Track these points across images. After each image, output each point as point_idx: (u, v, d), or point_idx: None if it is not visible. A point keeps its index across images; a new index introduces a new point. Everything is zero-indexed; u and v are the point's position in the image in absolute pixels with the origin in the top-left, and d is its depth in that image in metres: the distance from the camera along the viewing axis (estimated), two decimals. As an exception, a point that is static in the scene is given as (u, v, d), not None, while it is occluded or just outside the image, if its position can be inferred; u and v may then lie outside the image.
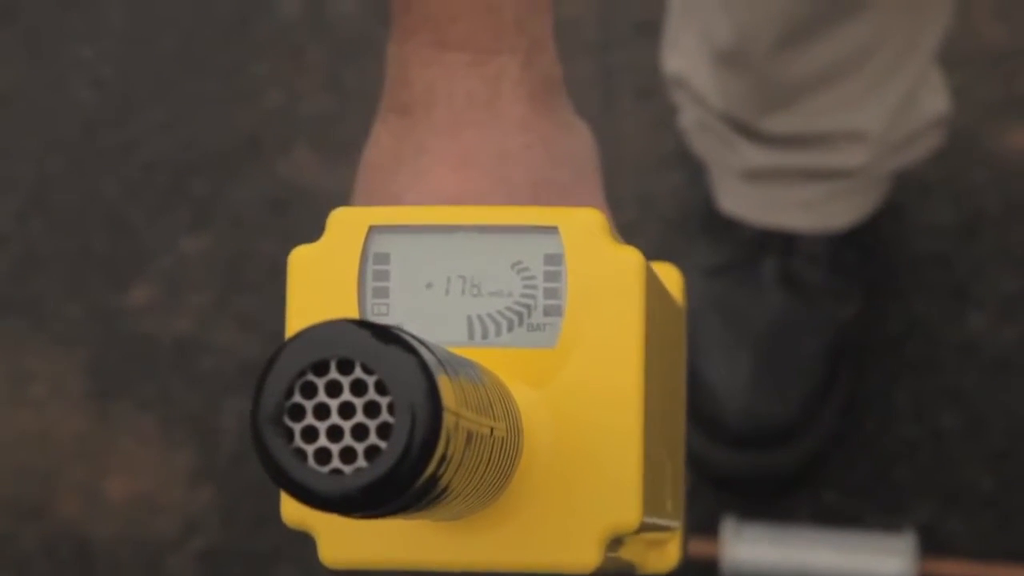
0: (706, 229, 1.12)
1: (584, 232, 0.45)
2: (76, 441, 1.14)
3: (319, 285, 0.46)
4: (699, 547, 1.03)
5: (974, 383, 1.12)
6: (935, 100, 1.07)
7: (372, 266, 0.46)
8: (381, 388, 0.36)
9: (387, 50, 0.52)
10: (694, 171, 1.16)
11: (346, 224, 0.46)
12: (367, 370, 0.36)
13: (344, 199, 1.32)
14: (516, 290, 0.46)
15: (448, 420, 0.36)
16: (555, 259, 0.45)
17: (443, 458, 0.37)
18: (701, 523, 1.06)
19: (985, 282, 1.15)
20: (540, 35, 0.51)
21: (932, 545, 1.06)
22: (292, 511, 0.46)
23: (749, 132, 1.04)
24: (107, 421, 1.15)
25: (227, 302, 1.18)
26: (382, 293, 0.46)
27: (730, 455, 1.05)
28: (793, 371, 1.07)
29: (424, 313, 0.46)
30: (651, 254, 1.30)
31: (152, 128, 1.25)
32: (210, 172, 1.23)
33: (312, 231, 1.35)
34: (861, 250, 1.11)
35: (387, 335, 0.36)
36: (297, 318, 0.46)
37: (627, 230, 1.29)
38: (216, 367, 1.16)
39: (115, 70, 1.28)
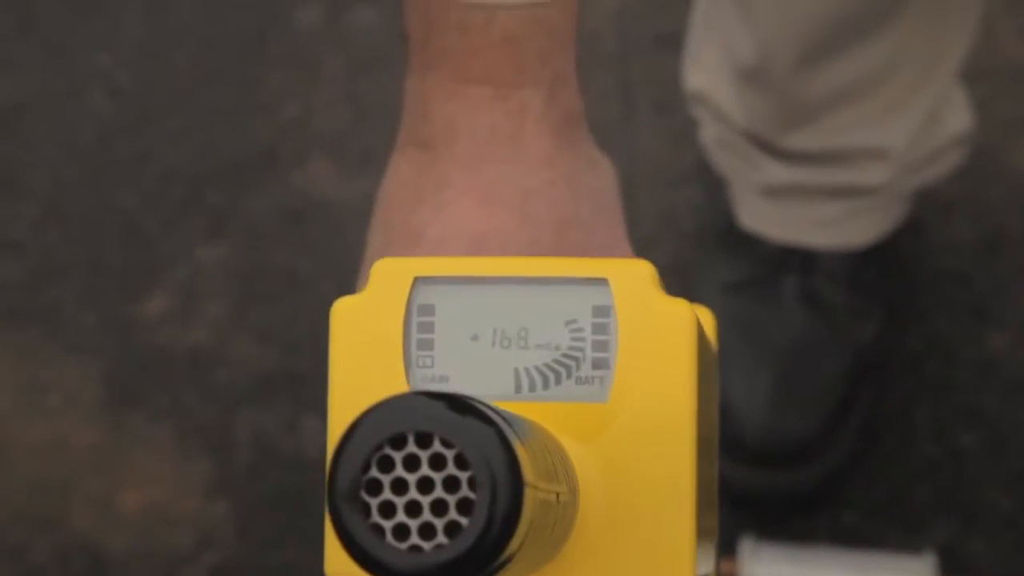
0: (725, 245, 1.12)
1: (634, 284, 0.45)
2: (90, 452, 1.14)
3: (363, 337, 0.45)
4: (717, 566, 1.02)
5: (994, 403, 1.11)
6: (958, 118, 1.07)
7: (417, 318, 0.45)
8: (461, 462, 0.36)
9: (405, 84, 0.51)
10: (713, 185, 1.15)
11: (390, 275, 0.45)
12: (446, 443, 0.36)
13: (360, 211, 1.30)
14: (564, 343, 0.45)
15: (528, 494, 0.36)
16: (604, 311, 0.45)
17: (525, 533, 0.36)
18: (719, 542, 1.05)
19: (1006, 301, 1.14)
20: (563, 69, 0.50)
21: (951, 566, 1.05)
22: (336, 569, 0.44)
23: (770, 149, 1.04)
24: (122, 432, 1.14)
25: (243, 313, 1.18)
26: (427, 345, 0.45)
27: (748, 473, 1.05)
28: (812, 390, 1.06)
29: (470, 365, 0.45)
30: (669, 269, 1.29)
31: (168, 138, 1.25)
32: (226, 183, 1.23)
33: (327, 243, 1.34)
34: (881, 268, 1.10)
35: (463, 406, 0.36)
36: (340, 370, 0.45)
37: (645, 244, 1.28)
38: (232, 379, 1.15)
39: (132, 79, 1.28)
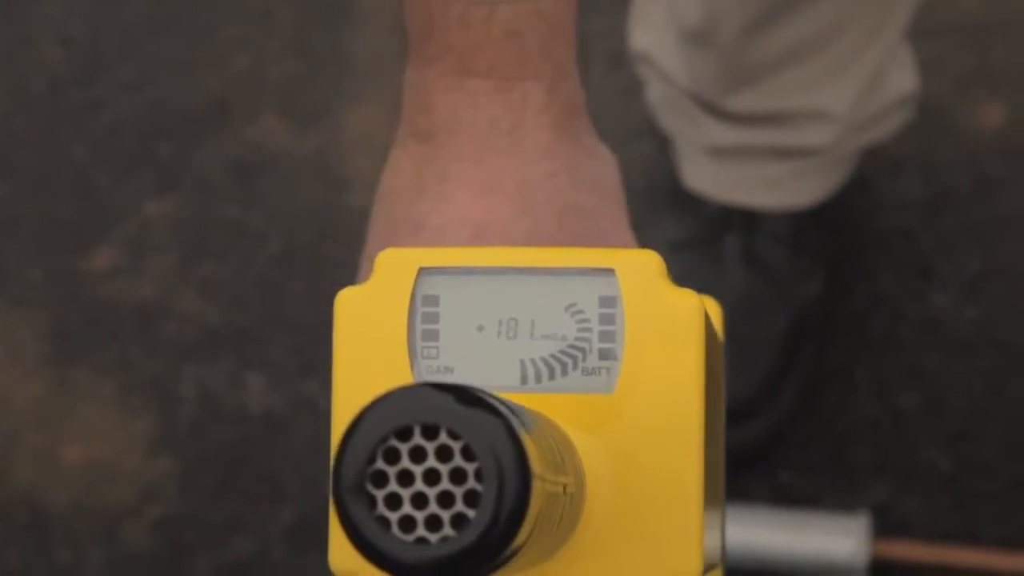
0: (670, 204, 1.12)
1: (640, 274, 0.44)
2: (33, 406, 1.14)
3: (367, 328, 0.45)
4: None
5: (935, 362, 1.11)
6: (903, 78, 1.06)
7: (421, 308, 0.45)
8: (467, 454, 0.35)
9: (405, 76, 0.51)
10: (662, 143, 1.15)
11: (395, 265, 0.45)
12: (453, 435, 0.36)
13: (311, 165, 1.30)
14: (570, 333, 0.45)
15: (536, 486, 0.36)
16: (610, 301, 0.44)
17: (532, 525, 0.36)
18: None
19: (951, 260, 1.14)
20: (564, 61, 0.51)
21: (888, 525, 1.06)
22: (340, 559, 0.44)
23: (713, 110, 1.04)
24: (65, 386, 1.15)
25: (190, 268, 1.18)
26: (432, 336, 0.45)
27: (688, 431, 1.05)
28: (754, 349, 1.06)
29: (475, 357, 0.45)
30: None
31: (120, 88, 1.25)
32: (177, 135, 1.22)
33: (277, 196, 1.34)
34: (825, 228, 1.10)
35: (470, 398, 0.36)
36: (344, 361, 0.45)
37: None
38: (178, 334, 1.16)
39: (84, 28, 1.27)
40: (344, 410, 0.45)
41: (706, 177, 1.08)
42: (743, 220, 1.08)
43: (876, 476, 1.08)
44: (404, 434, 0.36)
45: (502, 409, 0.36)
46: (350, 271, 1.15)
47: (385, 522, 0.36)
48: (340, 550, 0.44)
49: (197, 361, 1.14)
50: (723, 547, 0.52)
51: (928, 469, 1.09)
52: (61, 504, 1.11)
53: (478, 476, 0.35)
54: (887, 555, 1.02)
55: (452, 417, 0.35)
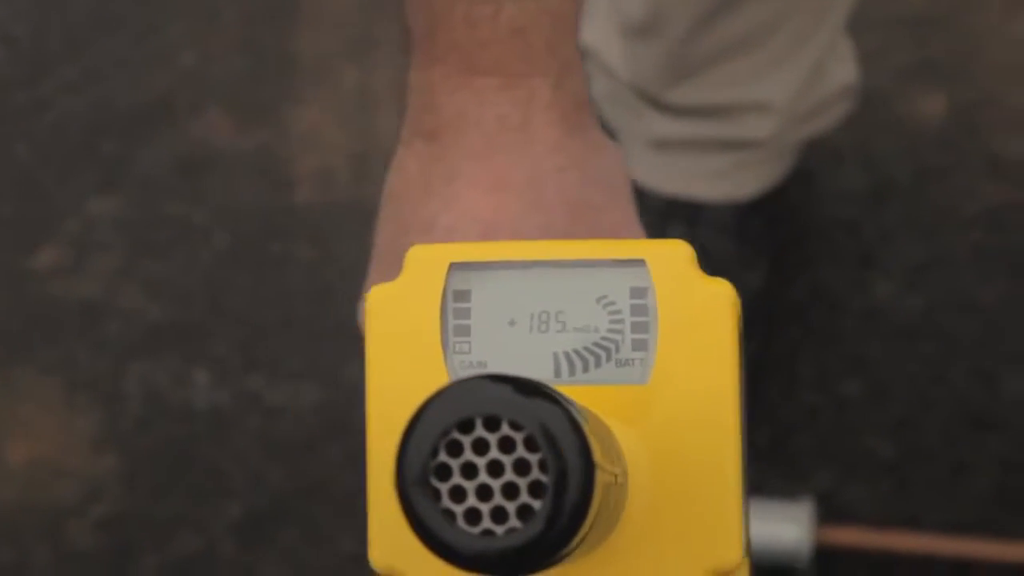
0: (615, 197, 1.12)
1: (672, 264, 0.44)
2: (-22, 406, 1.14)
3: (399, 324, 0.45)
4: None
5: (877, 350, 1.12)
6: (843, 70, 1.07)
7: (452, 304, 0.45)
8: (530, 444, 0.35)
9: (409, 76, 0.51)
10: (608, 136, 1.16)
11: (425, 262, 0.45)
12: (515, 426, 0.36)
13: (255, 162, 1.29)
14: (602, 325, 0.45)
15: (598, 476, 0.36)
16: (641, 292, 0.44)
17: (594, 516, 0.36)
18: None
19: (892, 250, 1.15)
20: (569, 57, 0.51)
21: (832, 512, 1.07)
22: (381, 555, 0.44)
23: (656, 103, 1.04)
24: (9, 386, 1.14)
25: (134, 266, 1.18)
26: (463, 331, 0.45)
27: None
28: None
29: (507, 351, 0.45)
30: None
31: (64, 87, 1.24)
32: (121, 133, 1.22)
33: (221, 194, 1.33)
34: (768, 219, 1.11)
35: (529, 388, 0.36)
36: (377, 358, 0.45)
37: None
38: (122, 332, 1.15)
39: (27, 28, 1.26)
40: (379, 406, 0.45)
41: (650, 170, 1.09)
42: (687, 212, 1.08)
43: (820, 463, 1.09)
44: (466, 426, 0.36)
45: (561, 399, 0.36)
46: (295, 268, 1.15)
47: (451, 515, 0.36)
48: (381, 545, 0.44)
49: (142, 358, 1.14)
50: (748, 537, 0.53)
51: (871, 456, 1.10)
52: (5, 503, 1.11)
53: (542, 467, 0.35)
54: (831, 541, 1.03)
55: (513, 408, 0.36)
